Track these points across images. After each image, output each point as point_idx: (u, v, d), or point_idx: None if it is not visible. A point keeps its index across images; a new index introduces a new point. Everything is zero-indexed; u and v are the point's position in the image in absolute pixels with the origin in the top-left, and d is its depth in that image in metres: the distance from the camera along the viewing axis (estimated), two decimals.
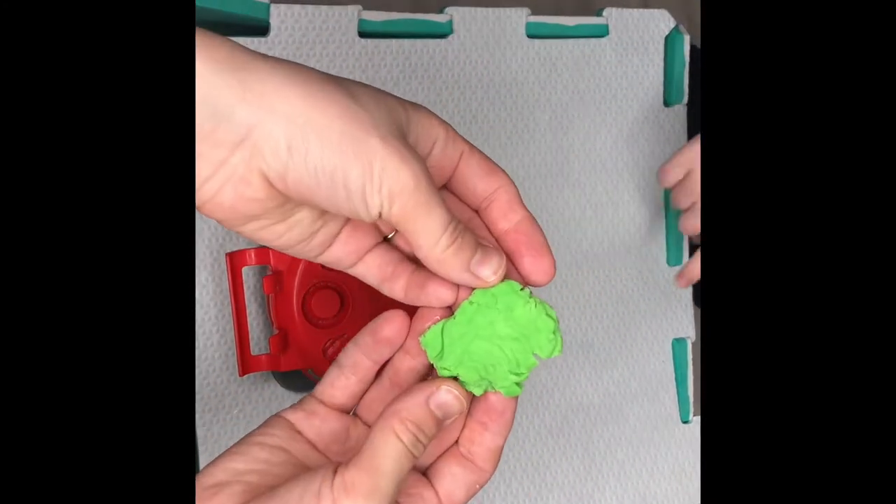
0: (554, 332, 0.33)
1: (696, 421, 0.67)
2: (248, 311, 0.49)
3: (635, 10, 0.65)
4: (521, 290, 0.33)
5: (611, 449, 0.64)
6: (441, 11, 0.58)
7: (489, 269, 0.32)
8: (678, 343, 0.67)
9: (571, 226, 0.63)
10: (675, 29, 0.66)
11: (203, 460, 0.51)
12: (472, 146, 0.34)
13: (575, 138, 0.63)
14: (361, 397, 0.36)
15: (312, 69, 0.30)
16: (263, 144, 0.28)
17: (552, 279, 0.34)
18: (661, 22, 0.66)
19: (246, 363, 0.49)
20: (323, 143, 0.29)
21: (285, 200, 0.30)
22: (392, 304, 0.35)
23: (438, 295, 0.34)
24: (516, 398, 0.34)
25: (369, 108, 0.30)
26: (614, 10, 0.64)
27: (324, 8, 0.54)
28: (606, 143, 0.64)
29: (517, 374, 0.33)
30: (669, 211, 0.66)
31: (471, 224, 0.34)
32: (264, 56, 0.30)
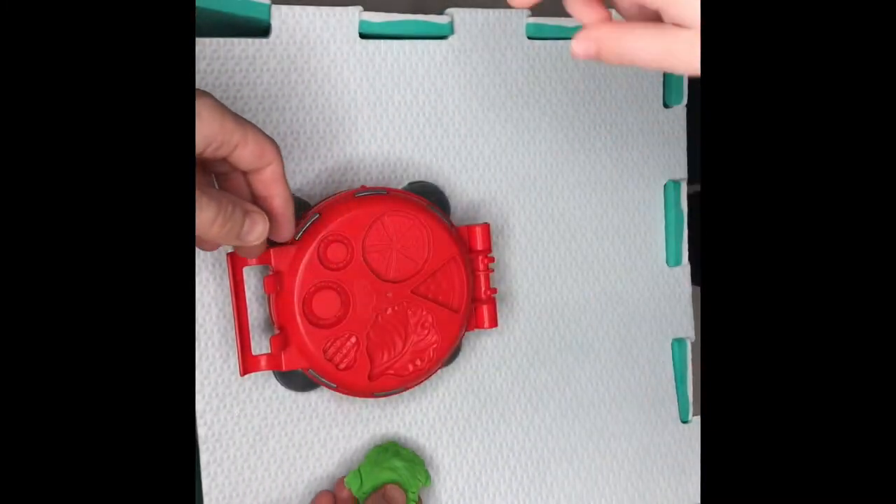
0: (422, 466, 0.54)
1: (695, 421, 0.67)
2: (249, 311, 0.50)
3: None
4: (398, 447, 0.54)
5: (610, 449, 0.64)
6: (441, 12, 0.58)
7: (254, 236, 0.43)
8: (678, 343, 0.67)
9: (572, 226, 0.63)
10: None
11: (204, 460, 0.51)
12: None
13: (575, 139, 0.63)
14: None
15: None
16: None
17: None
18: None
19: (247, 363, 0.49)
20: None
21: None
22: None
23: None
24: None
25: None
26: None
27: (325, 9, 0.54)
28: (606, 144, 0.64)
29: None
30: (669, 210, 0.66)
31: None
32: None
